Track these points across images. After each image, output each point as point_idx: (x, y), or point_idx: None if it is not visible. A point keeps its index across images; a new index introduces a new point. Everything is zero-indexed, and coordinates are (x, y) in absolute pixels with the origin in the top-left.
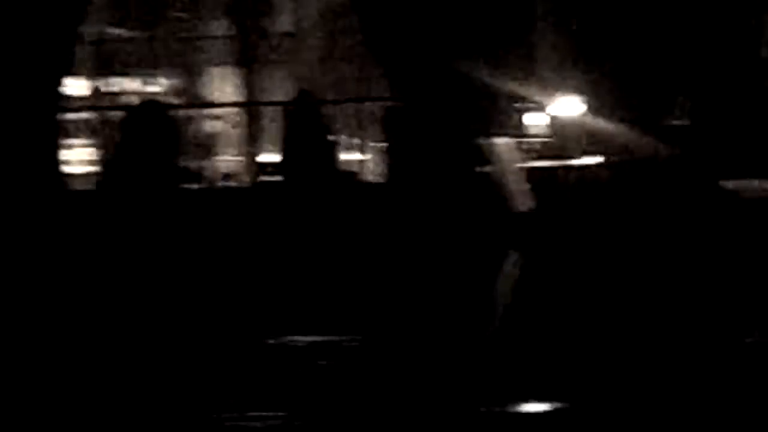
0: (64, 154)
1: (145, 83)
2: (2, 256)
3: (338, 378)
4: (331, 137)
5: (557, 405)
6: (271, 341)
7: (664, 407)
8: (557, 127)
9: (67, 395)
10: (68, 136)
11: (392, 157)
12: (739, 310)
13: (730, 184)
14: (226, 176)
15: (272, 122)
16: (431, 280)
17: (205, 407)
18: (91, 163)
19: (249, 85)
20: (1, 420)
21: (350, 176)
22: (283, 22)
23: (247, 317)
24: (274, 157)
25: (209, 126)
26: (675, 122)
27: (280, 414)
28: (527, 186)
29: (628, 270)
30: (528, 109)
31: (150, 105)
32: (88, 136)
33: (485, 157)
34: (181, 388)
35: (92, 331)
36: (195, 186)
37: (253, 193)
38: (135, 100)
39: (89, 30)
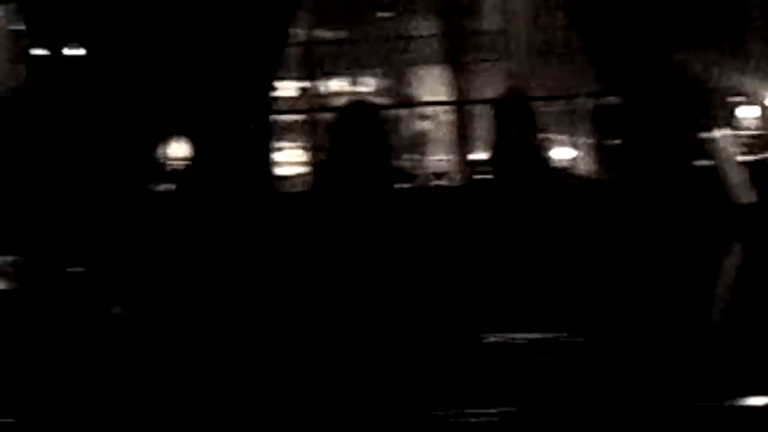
0: (274, 157)
1: (353, 84)
2: (216, 259)
3: (557, 375)
4: (542, 134)
5: None
6: (491, 338)
7: None
8: None
9: (288, 396)
10: (278, 138)
11: (607, 154)
12: None
13: None
14: (438, 176)
15: (482, 120)
16: (651, 276)
17: (425, 404)
18: (301, 164)
19: (458, 83)
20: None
21: (563, 173)
22: (491, 19)
23: (465, 315)
24: (486, 156)
25: (419, 125)
26: None
27: (499, 411)
28: (747, 179)
29: None
30: (743, 102)
31: (360, 105)
32: (297, 138)
33: (704, 150)
34: (402, 386)
35: (309, 332)
36: (407, 186)
37: (466, 192)
38: (343, 101)
39: (297, 32)
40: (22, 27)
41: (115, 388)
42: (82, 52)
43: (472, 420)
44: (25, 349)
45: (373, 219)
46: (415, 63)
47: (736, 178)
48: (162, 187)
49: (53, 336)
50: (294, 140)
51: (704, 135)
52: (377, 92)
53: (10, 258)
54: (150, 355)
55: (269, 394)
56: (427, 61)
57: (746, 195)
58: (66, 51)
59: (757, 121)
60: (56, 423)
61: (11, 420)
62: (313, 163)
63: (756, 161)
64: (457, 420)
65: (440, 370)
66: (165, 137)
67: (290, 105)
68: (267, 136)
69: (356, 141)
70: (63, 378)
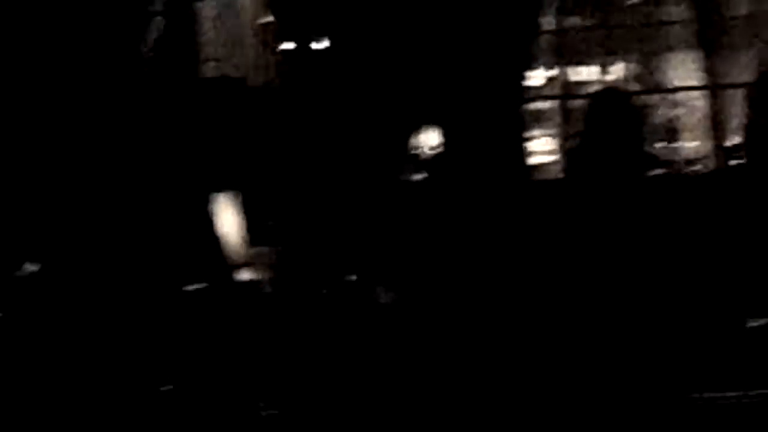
0: (526, 145)
1: (603, 71)
2: (470, 248)
3: None
4: None
5: None
6: (752, 324)
7: None
8: None
9: (558, 381)
10: (529, 126)
11: None
12: None
13: None
14: (691, 162)
15: (735, 105)
16: None
17: (688, 386)
18: (552, 152)
19: (709, 68)
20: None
21: None
22: (743, 3)
23: (722, 302)
24: (739, 141)
25: (671, 112)
26: None
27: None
28: None
29: None
30: None
31: (612, 92)
32: (548, 126)
33: None
34: (666, 372)
35: (569, 320)
36: (660, 172)
37: (720, 178)
38: (594, 88)
39: (546, 20)
40: (271, 20)
41: (383, 378)
42: (331, 43)
43: (736, 402)
44: (283, 338)
45: (626, 206)
46: (666, 48)
47: None
48: (415, 176)
49: (311, 324)
50: (545, 128)
51: None
52: (628, 78)
53: (265, 248)
54: (403, 345)
55: (526, 384)
56: (678, 47)
57: None
58: (315, 43)
59: None
60: (317, 414)
61: (275, 411)
62: (565, 151)
63: None
64: (721, 403)
65: (704, 356)
66: (417, 127)
67: (541, 93)
68: (519, 124)
69: (608, 128)
70: (328, 369)
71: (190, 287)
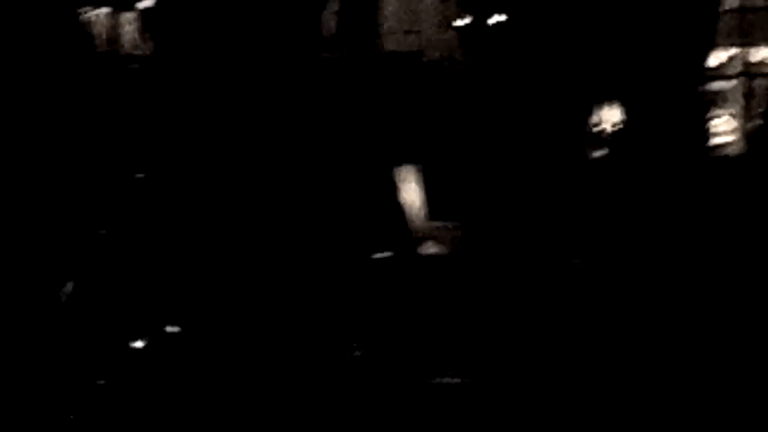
0: (707, 123)
1: None
2: (649, 225)
3: None
4: None
5: None
6: None
7: None
8: None
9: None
10: (710, 104)
11: None
12: None
13: None
14: None
15: None
16: None
17: None
18: (731, 132)
19: None
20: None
21: None
22: None
23: None
24: None
25: None
26: None
27: None
28: None
29: None
30: None
31: None
32: (728, 105)
33: None
34: None
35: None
36: None
37: None
38: None
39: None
40: None
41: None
42: (510, 18)
43: None
44: (461, 310)
45: None
46: None
47: None
48: (595, 153)
49: (490, 297)
50: (725, 107)
51: None
52: None
53: (444, 222)
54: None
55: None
56: None
57: None
58: (493, 18)
59: None
60: (494, 386)
61: (452, 381)
62: (745, 131)
63: None
64: None
65: None
66: (598, 103)
67: (722, 72)
68: (700, 102)
69: None
70: (509, 343)
71: (377, 255)
